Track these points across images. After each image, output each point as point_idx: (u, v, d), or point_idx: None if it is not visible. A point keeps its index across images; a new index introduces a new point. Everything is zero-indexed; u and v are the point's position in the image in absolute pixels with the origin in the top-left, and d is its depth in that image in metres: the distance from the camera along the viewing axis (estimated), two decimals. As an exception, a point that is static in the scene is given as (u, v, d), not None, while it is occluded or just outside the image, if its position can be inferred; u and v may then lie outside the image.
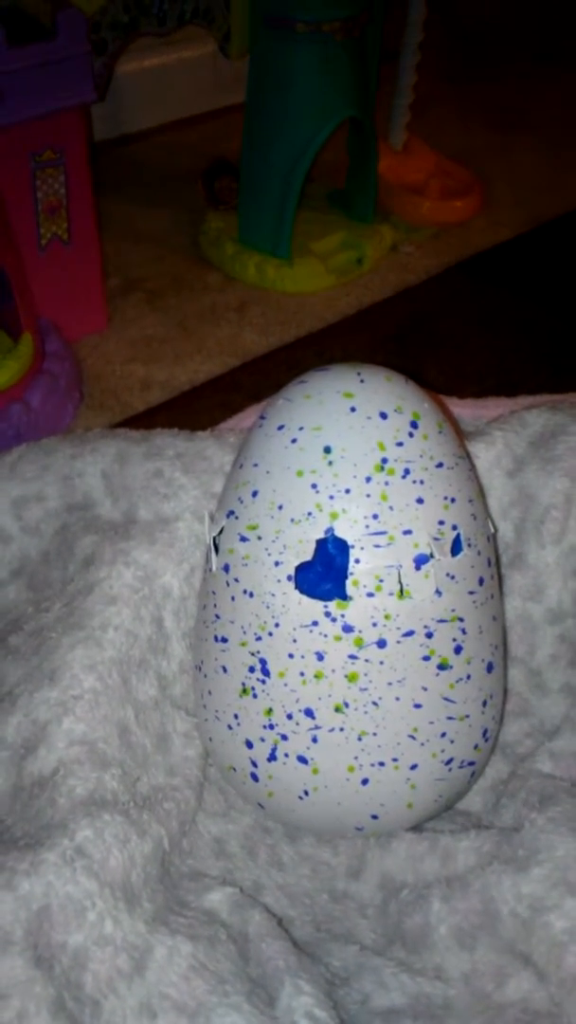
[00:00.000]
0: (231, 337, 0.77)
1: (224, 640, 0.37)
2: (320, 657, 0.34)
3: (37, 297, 0.68)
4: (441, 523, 0.35)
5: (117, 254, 0.84)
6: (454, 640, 0.35)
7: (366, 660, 0.34)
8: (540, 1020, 0.29)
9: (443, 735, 0.36)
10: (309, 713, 0.35)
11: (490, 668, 0.37)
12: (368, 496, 0.34)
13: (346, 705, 0.35)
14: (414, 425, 0.35)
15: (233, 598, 0.36)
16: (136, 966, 0.28)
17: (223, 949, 0.30)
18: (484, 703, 0.37)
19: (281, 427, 0.36)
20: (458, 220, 0.89)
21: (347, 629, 0.34)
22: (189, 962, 0.29)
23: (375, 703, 0.34)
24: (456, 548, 0.35)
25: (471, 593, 0.36)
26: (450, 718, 0.36)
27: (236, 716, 0.36)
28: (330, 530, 0.34)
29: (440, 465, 0.36)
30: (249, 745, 0.36)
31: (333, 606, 0.34)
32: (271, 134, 0.77)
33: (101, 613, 0.39)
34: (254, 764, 0.36)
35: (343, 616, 0.34)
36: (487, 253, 0.86)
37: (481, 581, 0.36)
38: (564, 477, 0.44)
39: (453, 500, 0.36)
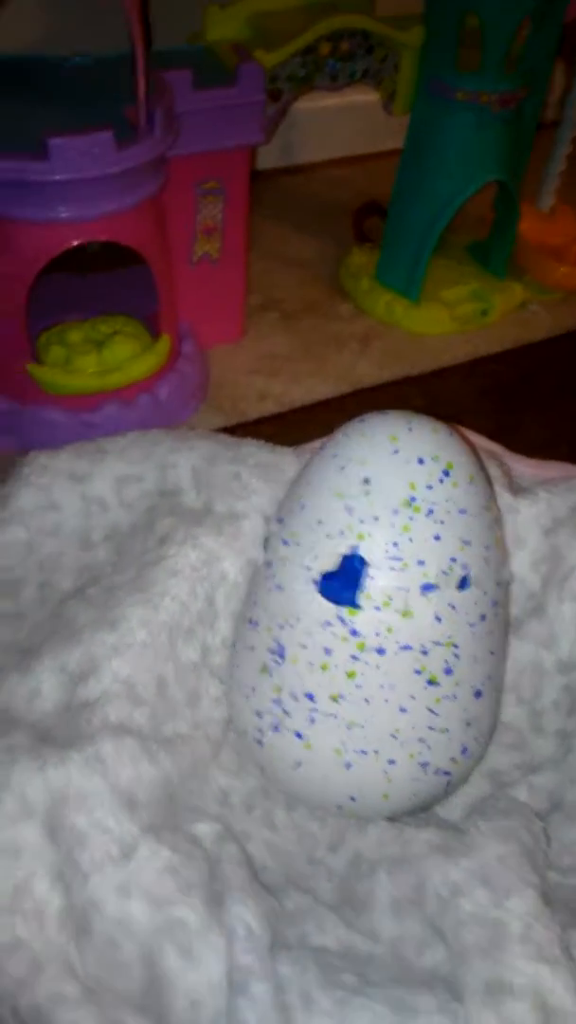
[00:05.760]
0: (349, 365, 0.84)
1: (255, 624, 0.43)
2: (327, 652, 0.41)
3: (183, 305, 0.77)
4: (453, 560, 0.41)
5: (264, 274, 0.93)
6: (446, 662, 0.41)
7: (365, 662, 0.40)
8: (441, 984, 0.34)
9: (421, 740, 0.41)
10: (310, 697, 0.41)
11: (478, 695, 0.42)
12: (392, 526, 0.40)
13: (342, 696, 0.41)
14: (446, 473, 0.41)
15: (269, 590, 0.43)
16: (123, 855, 0.36)
17: (196, 865, 0.37)
18: (468, 723, 0.42)
19: (335, 456, 0.42)
20: (589, 288, 0.93)
21: (354, 633, 0.40)
22: (165, 864, 0.36)
23: (366, 700, 0.40)
24: (462, 584, 0.41)
25: (471, 625, 0.41)
26: (431, 728, 0.41)
27: (253, 689, 0.43)
28: (355, 548, 0.40)
29: (463, 511, 0.41)
30: (259, 715, 0.43)
31: (346, 612, 0.40)
32: (418, 187, 0.84)
33: (163, 583, 0.46)
34: (260, 732, 0.43)
35: (352, 622, 0.40)
36: (609, 323, 0.90)
37: (483, 617, 0.42)
38: (591, 543, 0.48)
39: (468, 543, 0.41)
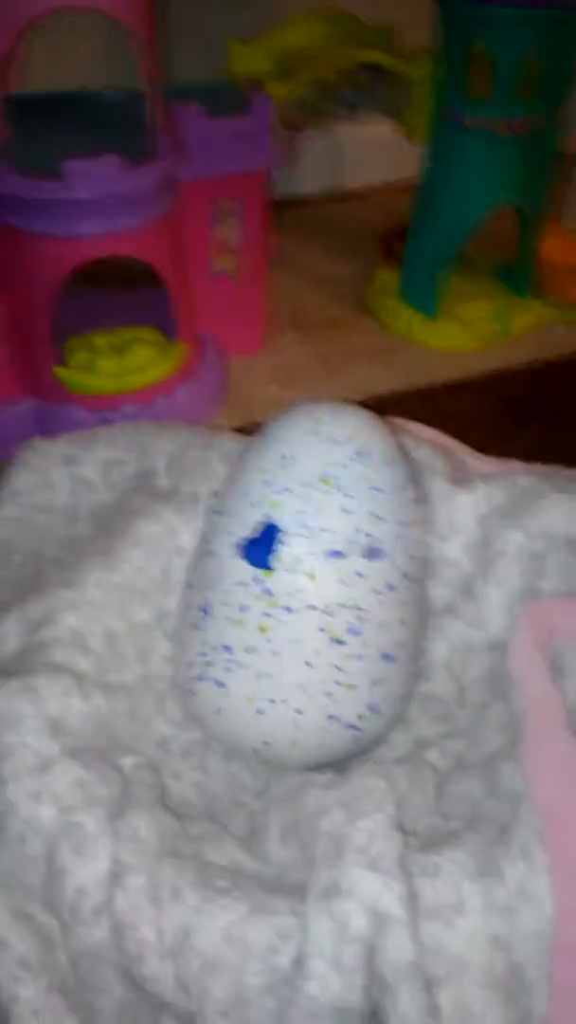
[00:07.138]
0: (363, 377, 0.88)
1: (191, 586, 0.48)
2: (243, 609, 0.45)
3: (203, 317, 0.83)
4: (359, 531, 0.45)
5: (295, 291, 0.99)
6: (350, 624, 0.45)
7: (275, 619, 0.45)
8: (300, 894, 0.38)
9: (328, 694, 0.45)
10: (228, 649, 0.46)
11: (387, 657, 0.46)
12: (304, 498, 0.45)
13: (254, 649, 0.45)
14: (359, 454, 0.45)
15: (202, 555, 0.48)
16: (40, 767, 0.41)
17: (107, 784, 0.41)
18: (375, 682, 0.46)
19: (264, 436, 0.47)
20: (610, 308, 0.95)
21: (266, 592, 0.45)
22: (76, 777, 0.41)
23: (275, 653, 0.45)
24: (369, 554, 0.45)
25: (376, 592, 0.45)
26: (337, 683, 0.45)
27: (184, 642, 0.48)
28: (271, 516, 0.45)
29: (376, 489, 0.45)
30: (189, 666, 0.48)
31: (260, 573, 0.45)
32: (434, 209, 0.88)
33: (122, 550, 0.52)
34: (189, 681, 0.48)
35: (265, 582, 0.45)
36: (624, 342, 0.91)
37: (391, 587, 0.46)
38: (519, 531, 0.51)
39: (380, 518, 0.45)
